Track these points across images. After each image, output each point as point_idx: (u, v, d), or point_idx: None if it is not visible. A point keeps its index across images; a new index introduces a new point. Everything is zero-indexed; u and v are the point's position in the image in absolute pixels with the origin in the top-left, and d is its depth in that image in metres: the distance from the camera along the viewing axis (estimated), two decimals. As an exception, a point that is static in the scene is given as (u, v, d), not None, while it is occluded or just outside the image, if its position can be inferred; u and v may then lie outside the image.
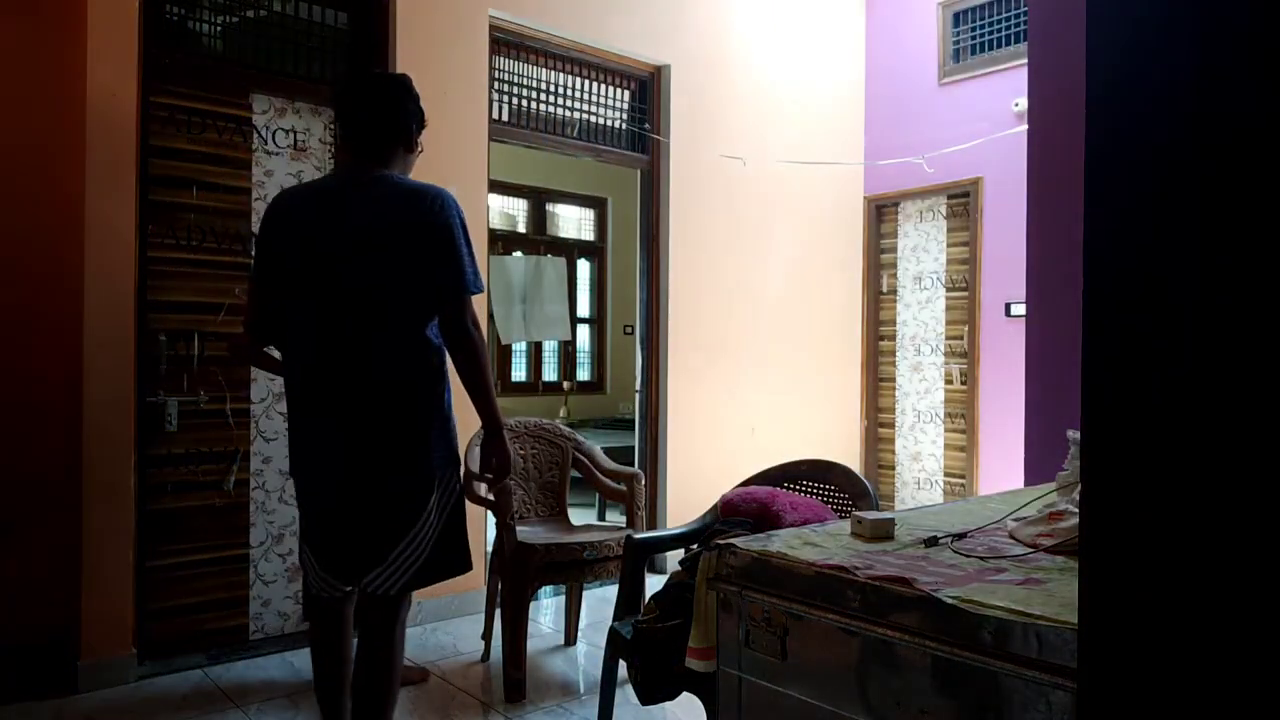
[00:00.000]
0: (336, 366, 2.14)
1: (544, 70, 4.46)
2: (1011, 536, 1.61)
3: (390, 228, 2.13)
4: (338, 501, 2.17)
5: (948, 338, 5.58)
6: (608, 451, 3.87)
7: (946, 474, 5.60)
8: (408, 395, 2.16)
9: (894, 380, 5.86)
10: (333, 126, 3.66)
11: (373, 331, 2.13)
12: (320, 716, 2.36)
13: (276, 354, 2.42)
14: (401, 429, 2.15)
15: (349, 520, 2.16)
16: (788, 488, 2.81)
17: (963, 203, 5.48)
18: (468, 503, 2.70)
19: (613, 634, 2.46)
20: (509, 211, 7.87)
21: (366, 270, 2.12)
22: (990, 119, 5.25)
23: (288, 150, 3.56)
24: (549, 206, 8.15)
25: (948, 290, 5.58)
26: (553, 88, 4.50)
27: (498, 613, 3.25)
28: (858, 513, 1.69)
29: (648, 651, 2.07)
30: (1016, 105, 5.08)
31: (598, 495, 5.64)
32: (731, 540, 1.62)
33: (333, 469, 2.16)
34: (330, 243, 2.13)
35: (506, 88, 4.30)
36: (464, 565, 2.28)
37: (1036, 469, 2.74)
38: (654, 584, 2.45)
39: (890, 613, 1.30)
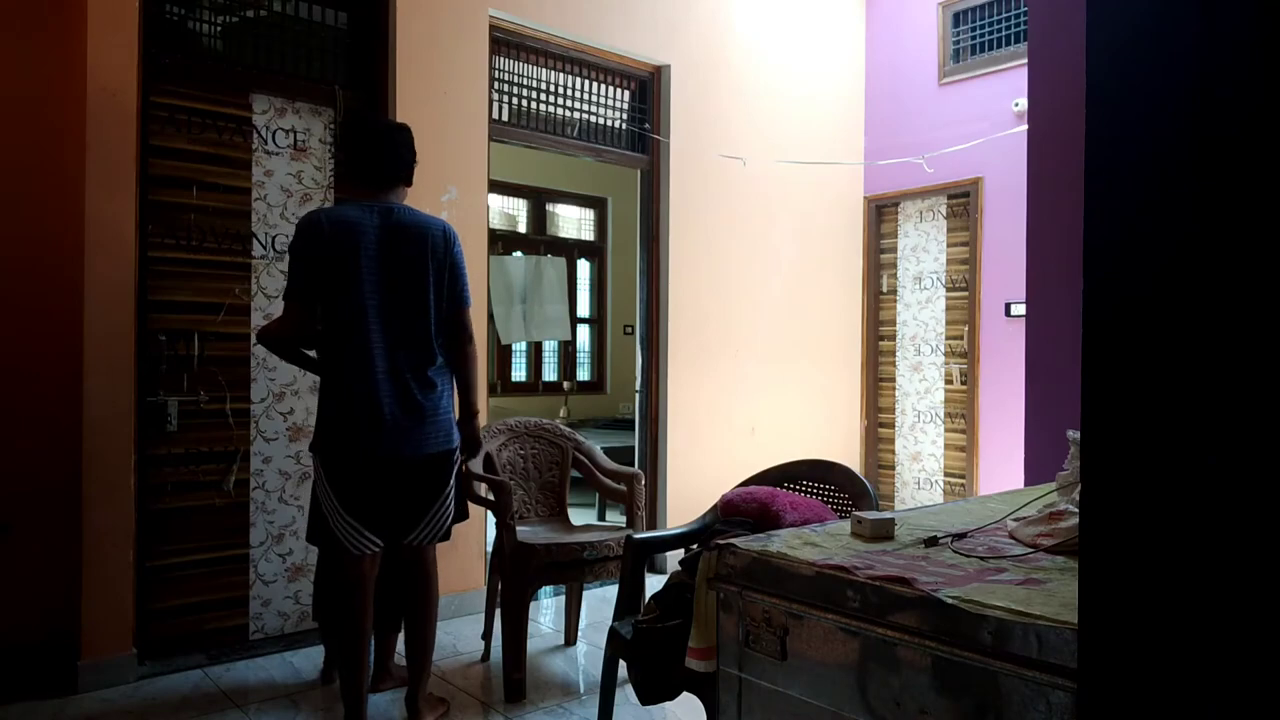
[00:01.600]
0: (397, 354, 2.59)
1: (544, 70, 4.46)
2: (1011, 536, 1.61)
3: (421, 248, 2.61)
4: (387, 475, 2.61)
5: (948, 338, 5.58)
6: (608, 451, 3.87)
7: (946, 474, 5.60)
8: (437, 384, 2.65)
9: (894, 380, 5.86)
10: (333, 127, 3.67)
11: (419, 330, 2.61)
12: (346, 663, 2.65)
13: (310, 351, 2.75)
14: (436, 411, 2.64)
15: (396, 490, 2.63)
16: (788, 488, 2.81)
17: (963, 203, 5.48)
18: (469, 502, 3.24)
19: (613, 634, 2.46)
20: (509, 211, 7.87)
21: (411, 280, 2.60)
22: (990, 119, 5.25)
23: (288, 150, 3.56)
24: (549, 206, 8.15)
25: (948, 290, 5.58)
26: (553, 88, 4.50)
27: (498, 613, 3.25)
28: (858, 513, 1.69)
29: (648, 651, 2.07)
30: (1016, 105, 5.08)
31: (598, 495, 5.64)
32: (731, 540, 1.62)
33: (384, 446, 2.57)
34: (385, 252, 2.59)
35: (506, 88, 4.30)
36: (465, 515, 2.91)
37: (1036, 469, 2.74)
38: (654, 584, 2.45)
39: (890, 613, 1.30)
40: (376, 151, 2.68)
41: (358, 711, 2.60)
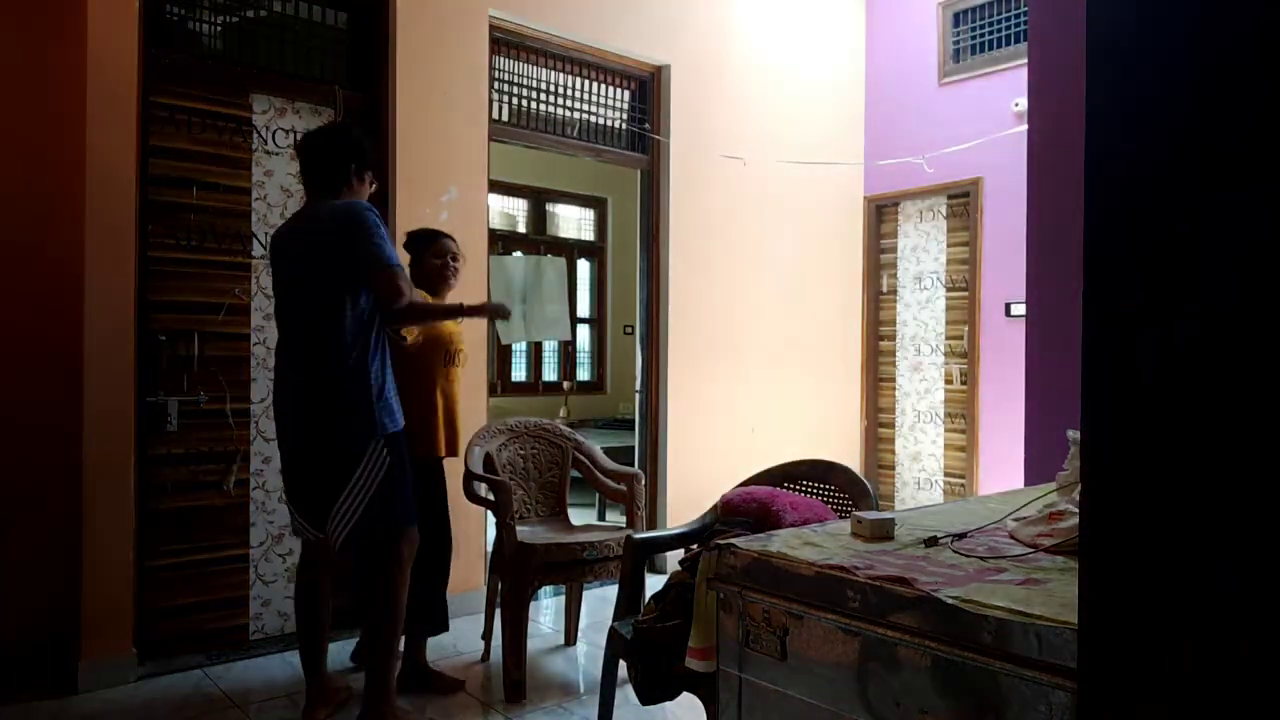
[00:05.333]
0: (297, 350, 2.66)
1: (544, 70, 4.46)
2: (1011, 536, 1.61)
3: (320, 238, 2.62)
4: (298, 459, 2.71)
5: (948, 338, 5.58)
6: (608, 451, 3.87)
7: (946, 474, 5.60)
8: (343, 378, 2.59)
9: (894, 380, 5.86)
10: (333, 126, 3.68)
11: (315, 322, 2.61)
12: (301, 657, 2.81)
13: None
14: (335, 403, 2.59)
15: (306, 473, 2.70)
16: (788, 488, 2.81)
17: (963, 203, 5.48)
18: (469, 502, 3.26)
19: (613, 634, 2.46)
20: (509, 211, 7.87)
21: (309, 274, 2.62)
22: (990, 119, 5.24)
23: (288, 150, 3.56)
24: (549, 206, 8.15)
25: (948, 290, 5.57)
26: (553, 88, 4.50)
27: (498, 613, 3.25)
28: (858, 513, 1.69)
29: (648, 651, 2.07)
30: (1016, 105, 5.08)
31: (598, 495, 5.64)
32: (731, 540, 1.62)
33: (296, 433, 2.68)
34: (294, 254, 2.67)
35: (506, 88, 4.30)
36: (409, 520, 2.72)
37: (1036, 469, 2.74)
38: (654, 584, 2.45)
39: (890, 613, 1.30)
40: (303, 156, 2.78)
41: (311, 685, 2.78)
